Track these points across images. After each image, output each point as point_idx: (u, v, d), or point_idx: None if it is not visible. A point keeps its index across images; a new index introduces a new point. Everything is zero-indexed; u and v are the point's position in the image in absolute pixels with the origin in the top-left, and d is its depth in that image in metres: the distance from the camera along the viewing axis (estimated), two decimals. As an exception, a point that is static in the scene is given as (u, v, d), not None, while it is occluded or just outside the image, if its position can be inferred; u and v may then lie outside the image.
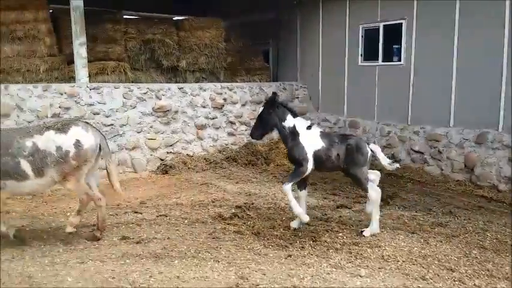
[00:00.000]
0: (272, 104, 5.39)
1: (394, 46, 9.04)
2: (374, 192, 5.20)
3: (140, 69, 10.26)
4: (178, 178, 7.92)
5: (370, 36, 9.41)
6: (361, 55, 9.54)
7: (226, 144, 9.58)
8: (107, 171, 5.06)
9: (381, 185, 7.42)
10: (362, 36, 9.51)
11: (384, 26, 9.05)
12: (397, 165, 5.46)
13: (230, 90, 9.85)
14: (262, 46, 12.30)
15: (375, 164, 6.14)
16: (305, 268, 4.34)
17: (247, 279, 4.09)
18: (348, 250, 4.80)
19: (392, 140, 8.80)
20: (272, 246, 4.88)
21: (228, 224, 5.52)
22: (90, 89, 8.08)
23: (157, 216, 5.83)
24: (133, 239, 5.01)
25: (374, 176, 5.36)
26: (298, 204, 5.26)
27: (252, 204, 6.39)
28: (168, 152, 8.80)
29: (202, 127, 9.26)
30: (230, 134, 9.64)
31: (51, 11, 9.07)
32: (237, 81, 10.91)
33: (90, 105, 8.03)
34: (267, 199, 6.69)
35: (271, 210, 6.16)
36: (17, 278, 4.03)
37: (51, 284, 3.92)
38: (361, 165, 5.18)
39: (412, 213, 6.12)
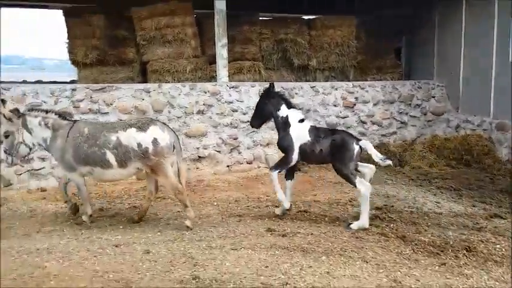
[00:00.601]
0: (267, 94, 5.78)
1: (556, 39, 7.99)
2: (363, 187, 5.20)
3: (272, 69, 10.56)
4: (311, 175, 8.00)
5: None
6: (514, 50, 8.60)
7: (357, 144, 9.41)
8: (178, 169, 5.41)
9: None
10: (515, 29, 8.57)
11: (544, 16, 8.03)
12: (390, 162, 5.39)
13: (362, 89, 9.64)
14: (394, 43, 11.80)
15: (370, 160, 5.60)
16: (463, 279, 4.05)
17: (400, 283, 3.96)
18: (510, 263, 4.36)
19: (553, 145, 7.78)
20: (421, 252, 4.64)
21: (370, 224, 5.40)
22: (230, 88, 8.58)
23: (298, 212, 5.96)
24: (278, 231, 5.18)
25: (367, 169, 5.42)
26: (284, 194, 5.63)
27: (392, 206, 6.17)
28: (299, 150, 8.94)
29: (333, 126, 9.23)
30: (361, 134, 9.44)
31: (195, 15, 9.80)
32: (367, 80, 10.65)
33: (230, 103, 8.53)
34: (408, 202, 6.40)
35: (414, 214, 5.88)
36: (181, 258, 4.44)
37: (212, 266, 4.24)
38: (346, 161, 5.27)
39: None
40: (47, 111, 5.49)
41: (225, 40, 8.64)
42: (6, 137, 5.39)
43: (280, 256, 4.49)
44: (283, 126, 5.64)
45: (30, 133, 5.39)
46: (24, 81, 11.15)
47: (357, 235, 5.10)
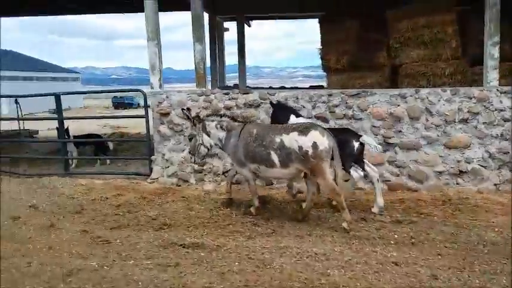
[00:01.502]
0: (276, 106, 6.66)
1: None
2: (355, 173, 5.97)
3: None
4: None
5: None
6: None
7: None
8: (334, 172, 5.57)
9: None
10: None
11: None
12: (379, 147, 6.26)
13: None
14: None
15: None
16: None
17: None
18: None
19: None
20: None
21: None
22: (501, 93, 7.34)
23: None
24: None
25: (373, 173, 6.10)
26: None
27: None
28: None
29: None
30: None
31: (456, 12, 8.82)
32: None
33: (501, 110, 7.27)
34: None
35: None
36: None
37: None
38: (346, 155, 5.76)
39: None
40: (221, 116, 6.26)
41: (497, 38, 7.45)
42: (190, 139, 6.28)
43: None
44: None
45: (208, 135, 6.17)
46: (283, 87, 12.09)
47: None
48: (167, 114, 8.00)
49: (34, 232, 5.55)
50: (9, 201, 7.00)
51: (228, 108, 7.87)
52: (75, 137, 10.23)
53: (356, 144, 5.95)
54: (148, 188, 7.75)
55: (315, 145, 5.40)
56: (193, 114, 6.31)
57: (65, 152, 9.26)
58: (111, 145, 10.53)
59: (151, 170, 8.39)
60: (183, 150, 8.02)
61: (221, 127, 6.12)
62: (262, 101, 7.82)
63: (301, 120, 6.31)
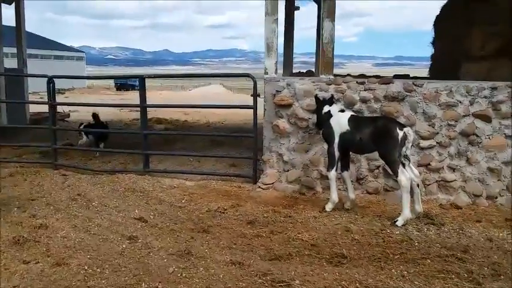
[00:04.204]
0: (317, 104, 6.03)
1: None
2: (404, 177, 5.06)
3: None
4: None
5: None
6: None
7: None
8: None
9: None
10: None
11: None
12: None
13: None
14: None
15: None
16: None
17: None
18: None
19: None
20: None
21: None
22: None
23: None
24: None
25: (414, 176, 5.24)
26: (346, 185, 5.77)
27: None
28: None
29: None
30: None
31: None
32: None
33: None
34: None
35: None
36: None
37: None
38: (391, 147, 5.11)
39: None
40: None
41: None
42: None
43: None
44: (326, 118, 5.76)
45: None
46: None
47: None
48: (289, 105, 6.52)
49: (170, 262, 4.14)
50: (105, 210, 5.62)
51: (365, 101, 6.39)
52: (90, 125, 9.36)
53: (400, 133, 5.08)
54: (267, 197, 6.33)
55: None
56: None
57: (146, 146, 7.81)
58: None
59: (255, 172, 6.99)
60: (308, 151, 6.57)
61: None
62: (407, 93, 6.33)
63: (334, 106, 5.87)
